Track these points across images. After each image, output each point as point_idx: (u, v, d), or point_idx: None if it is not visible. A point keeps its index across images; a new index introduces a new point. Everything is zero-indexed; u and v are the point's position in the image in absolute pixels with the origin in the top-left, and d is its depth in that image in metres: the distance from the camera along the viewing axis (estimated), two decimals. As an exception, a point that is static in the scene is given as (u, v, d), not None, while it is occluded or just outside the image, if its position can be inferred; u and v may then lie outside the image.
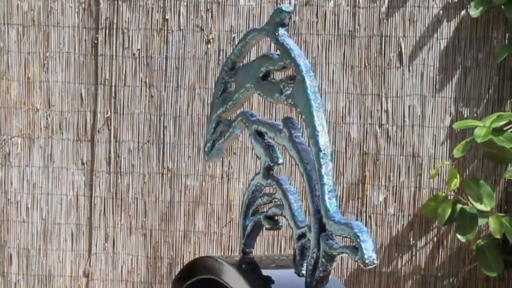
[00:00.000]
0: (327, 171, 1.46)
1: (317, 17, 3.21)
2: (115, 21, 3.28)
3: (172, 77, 3.27)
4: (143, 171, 3.30)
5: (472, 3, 3.05)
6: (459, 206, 2.99)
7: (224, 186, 3.27)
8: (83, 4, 3.28)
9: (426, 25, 3.17)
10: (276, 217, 1.69)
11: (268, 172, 1.67)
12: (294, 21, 3.20)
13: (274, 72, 1.66)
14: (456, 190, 3.05)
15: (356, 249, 1.38)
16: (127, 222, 3.32)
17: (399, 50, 3.18)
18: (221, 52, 3.24)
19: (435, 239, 3.20)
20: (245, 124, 1.72)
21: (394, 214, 3.21)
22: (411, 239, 3.21)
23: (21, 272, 3.36)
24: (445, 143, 3.18)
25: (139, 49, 3.28)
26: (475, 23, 3.15)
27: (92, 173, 3.32)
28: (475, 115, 3.15)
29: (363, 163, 3.21)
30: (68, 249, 3.35)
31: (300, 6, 3.20)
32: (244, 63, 1.76)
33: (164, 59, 3.27)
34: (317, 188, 1.48)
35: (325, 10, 3.21)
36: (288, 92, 1.58)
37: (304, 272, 1.54)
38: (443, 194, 3.07)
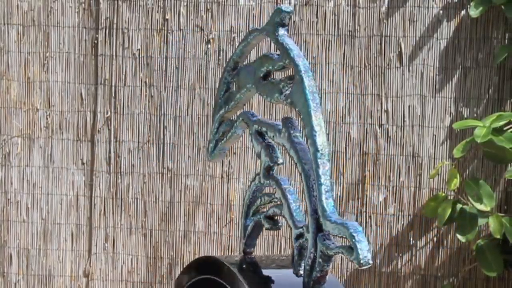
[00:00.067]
0: (324, 171, 1.46)
1: (317, 17, 3.21)
2: (115, 21, 3.28)
3: (172, 77, 3.27)
4: (143, 171, 3.30)
5: (472, 3, 3.05)
6: (459, 206, 2.99)
7: (224, 186, 3.27)
8: (83, 4, 3.28)
9: (426, 25, 3.17)
10: (276, 217, 1.69)
11: (268, 172, 1.68)
12: (294, 21, 3.20)
13: (275, 72, 1.66)
14: (456, 190, 3.05)
15: (351, 249, 1.38)
16: (127, 222, 3.32)
17: (399, 50, 3.18)
18: (221, 52, 3.24)
19: (435, 239, 3.20)
20: (247, 124, 1.72)
21: (394, 214, 3.21)
22: (411, 239, 3.21)
23: (21, 272, 3.36)
24: (445, 143, 3.18)
25: (139, 49, 3.28)
26: (475, 23, 3.15)
27: (92, 173, 3.32)
28: (475, 115, 3.15)
29: (363, 163, 3.21)
30: (68, 249, 3.35)
31: (300, 6, 3.20)
32: (246, 63, 1.76)
33: (164, 59, 3.27)
34: (315, 188, 1.48)
35: (325, 10, 3.21)
36: (288, 92, 1.58)
37: (302, 272, 1.54)
38: (443, 194, 3.07)
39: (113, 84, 3.29)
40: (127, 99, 3.29)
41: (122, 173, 3.31)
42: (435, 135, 3.18)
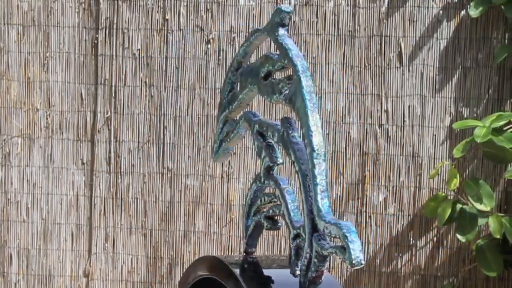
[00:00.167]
0: (320, 171, 1.46)
1: (317, 17, 3.21)
2: (115, 21, 3.28)
3: (172, 77, 3.27)
4: (143, 171, 3.30)
5: (472, 3, 3.05)
6: (459, 206, 2.99)
7: (224, 186, 3.27)
8: (83, 4, 3.28)
9: (426, 25, 3.17)
10: (275, 217, 1.69)
11: (268, 172, 1.68)
12: (294, 21, 3.20)
13: (275, 72, 1.66)
14: (456, 190, 3.05)
15: (344, 249, 1.38)
16: (127, 222, 3.32)
17: (399, 50, 3.18)
18: (221, 52, 3.24)
19: (435, 239, 3.20)
20: (248, 124, 1.72)
21: (394, 214, 3.21)
22: (411, 239, 3.21)
23: (21, 272, 3.36)
24: (445, 143, 3.18)
25: (139, 49, 3.28)
26: (475, 23, 3.15)
27: (92, 173, 3.32)
28: (475, 115, 3.15)
29: (363, 163, 3.21)
30: (68, 249, 3.35)
31: (300, 6, 3.20)
32: (249, 63, 1.76)
33: (164, 59, 3.27)
34: (311, 188, 1.48)
35: (325, 10, 3.21)
36: (286, 92, 1.58)
37: (298, 272, 1.54)
38: (443, 194, 3.07)
39: (113, 84, 3.29)
40: (127, 99, 3.29)
41: (122, 173, 3.31)
42: (435, 135, 3.18)
